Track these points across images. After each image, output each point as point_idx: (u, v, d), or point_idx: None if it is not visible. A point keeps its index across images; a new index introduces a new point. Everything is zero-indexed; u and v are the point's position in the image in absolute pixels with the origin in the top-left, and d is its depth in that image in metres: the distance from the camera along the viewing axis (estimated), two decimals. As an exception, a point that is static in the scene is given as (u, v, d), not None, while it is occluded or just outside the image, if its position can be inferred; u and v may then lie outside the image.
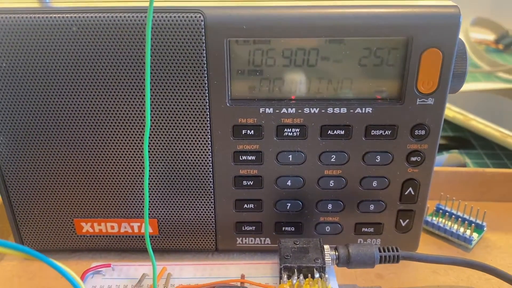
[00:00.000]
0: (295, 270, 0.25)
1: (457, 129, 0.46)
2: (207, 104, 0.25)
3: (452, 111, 0.45)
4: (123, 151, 0.26)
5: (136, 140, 0.26)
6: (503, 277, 0.26)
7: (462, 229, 0.31)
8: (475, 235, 0.31)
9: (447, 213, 0.32)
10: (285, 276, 0.25)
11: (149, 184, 0.27)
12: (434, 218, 0.32)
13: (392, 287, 0.28)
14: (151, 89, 0.24)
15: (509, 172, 0.35)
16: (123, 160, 0.26)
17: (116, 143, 0.26)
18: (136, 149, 0.26)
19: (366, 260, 0.25)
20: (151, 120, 0.25)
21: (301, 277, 0.24)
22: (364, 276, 0.28)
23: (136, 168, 0.27)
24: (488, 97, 0.51)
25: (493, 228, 0.32)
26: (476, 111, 0.45)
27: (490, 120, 0.42)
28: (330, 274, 0.26)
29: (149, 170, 0.27)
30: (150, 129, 0.26)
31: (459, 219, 0.32)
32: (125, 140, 0.26)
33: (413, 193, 0.27)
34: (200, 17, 0.23)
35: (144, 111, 0.25)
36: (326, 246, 0.26)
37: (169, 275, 0.26)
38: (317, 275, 0.24)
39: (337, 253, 0.26)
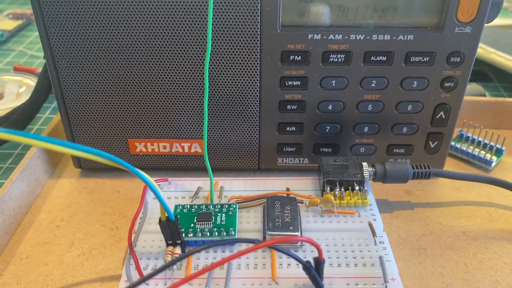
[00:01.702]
0: (337, 183, 0.27)
1: (475, 63, 0.48)
2: (259, 29, 0.26)
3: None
4: (178, 74, 0.28)
5: (191, 63, 0.28)
6: (521, 192, 0.29)
7: (483, 152, 0.33)
8: (494, 158, 0.33)
9: (469, 139, 0.35)
10: (328, 188, 0.27)
11: (198, 106, 0.29)
12: (457, 143, 0.35)
13: (419, 201, 0.31)
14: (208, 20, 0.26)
15: (528, 102, 0.37)
16: (177, 82, 0.28)
17: (172, 66, 0.28)
18: (190, 71, 0.28)
19: (401, 175, 0.28)
20: (204, 48, 0.27)
21: (342, 189, 0.27)
22: (394, 192, 0.31)
23: (189, 90, 0.29)
24: (504, 33, 0.52)
25: (510, 153, 0.35)
26: (494, 45, 0.46)
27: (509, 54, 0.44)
28: (368, 188, 0.28)
29: (201, 97, 0.29)
30: (206, 58, 0.27)
31: (480, 144, 0.34)
32: (181, 63, 0.28)
33: (443, 116, 0.30)
34: None
35: (201, 35, 0.27)
36: (364, 163, 0.28)
37: (222, 188, 0.29)
38: (356, 187, 0.27)
39: (374, 169, 0.28)
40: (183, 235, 0.24)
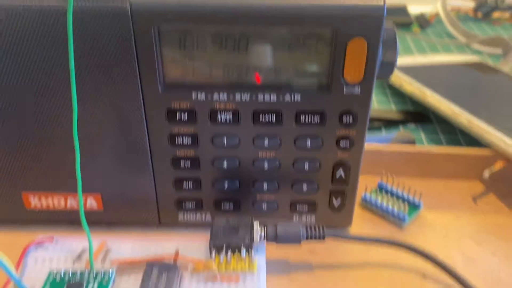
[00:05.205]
0: (224, 247, 0.26)
1: (417, 104, 0.47)
2: (140, 90, 0.26)
3: (411, 86, 0.45)
4: (68, 133, 0.27)
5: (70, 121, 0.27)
6: (425, 256, 0.28)
7: (396, 207, 0.32)
8: (409, 213, 0.32)
9: (387, 191, 0.34)
10: (214, 253, 0.26)
11: (94, 162, 0.28)
12: (373, 196, 0.33)
13: (322, 261, 0.29)
14: (84, 78, 0.25)
15: (452, 153, 0.36)
16: (67, 140, 0.27)
17: (58, 126, 0.27)
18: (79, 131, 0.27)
19: (293, 237, 0.27)
20: (89, 105, 0.26)
21: (229, 253, 0.26)
22: (298, 252, 0.30)
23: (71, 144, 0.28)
24: (457, 70, 0.51)
25: (431, 207, 0.34)
26: (443, 84, 0.46)
27: (457, 95, 0.42)
28: (260, 250, 0.27)
29: (93, 150, 0.28)
30: (90, 113, 0.26)
31: (398, 197, 0.33)
32: (66, 124, 0.27)
33: (343, 175, 0.29)
34: (126, 5, 0.23)
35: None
36: (255, 224, 0.27)
37: (107, 251, 0.27)
38: (243, 252, 0.26)
39: (265, 230, 0.27)
40: (46, 308, 0.23)
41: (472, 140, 0.38)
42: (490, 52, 0.60)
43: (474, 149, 0.36)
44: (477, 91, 0.45)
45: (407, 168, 0.36)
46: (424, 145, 0.41)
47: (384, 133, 0.43)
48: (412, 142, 0.39)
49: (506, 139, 0.35)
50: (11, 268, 0.21)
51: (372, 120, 0.45)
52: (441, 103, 0.41)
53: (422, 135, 0.43)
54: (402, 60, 0.53)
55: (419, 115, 0.46)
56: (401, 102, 0.49)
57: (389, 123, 0.45)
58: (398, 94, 0.50)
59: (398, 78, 0.48)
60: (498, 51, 0.60)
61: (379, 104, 0.49)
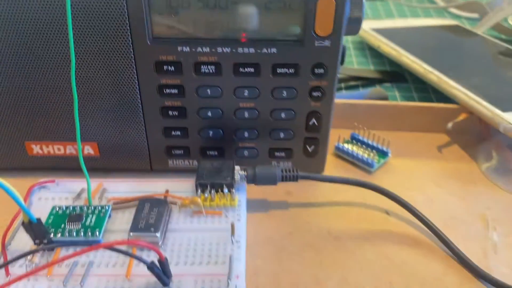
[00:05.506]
0: (208, 185, 0.29)
1: (393, 64, 0.50)
2: (130, 42, 0.28)
3: (388, 48, 0.48)
4: (66, 86, 0.30)
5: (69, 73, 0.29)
6: (387, 195, 0.31)
7: (366, 155, 0.35)
8: (377, 159, 0.36)
9: (359, 142, 0.37)
10: (199, 191, 0.29)
11: (90, 112, 0.31)
12: (346, 145, 0.37)
13: (297, 201, 0.33)
14: (81, 34, 0.27)
15: (420, 106, 0.39)
16: (65, 93, 0.30)
17: (52, 75, 0.29)
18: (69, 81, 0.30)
19: (270, 178, 0.30)
20: (86, 59, 0.29)
21: (213, 191, 0.29)
22: (276, 193, 0.33)
23: (70, 96, 0.30)
24: (434, 33, 0.54)
25: (398, 155, 0.37)
26: (418, 45, 0.48)
27: (430, 55, 0.45)
28: (240, 190, 0.31)
29: (89, 101, 0.31)
30: (87, 67, 0.29)
31: (368, 146, 0.37)
32: (60, 73, 0.29)
33: (316, 123, 0.32)
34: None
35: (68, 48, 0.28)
36: (237, 167, 0.30)
37: (104, 190, 0.31)
38: (226, 190, 0.29)
39: (245, 172, 0.30)
40: (52, 235, 0.26)
41: (442, 97, 0.41)
42: (467, 16, 0.63)
43: (440, 104, 0.39)
44: (450, 52, 0.48)
45: (378, 121, 0.39)
46: (395, 100, 0.44)
47: (361, 91, 0.46)
48: (385, 98, 0.42)
49: (469, 93, 0.38)
50: (21, 199, 0.24)
51: (352, 79, 0.48)
52: (414, 62, 0.44)
53: (397, 93, 0.46)
54: (382, 23, 0.55)
55: (395, 74, 0.49)
56: (380, 63, 0.52)
57: (367, 82, 0.48)
58: (377, 55, 0.53)
59: (377, 40, 0.50)
60: (475, 15, 0.62)
61: (359, 65, 0.52)
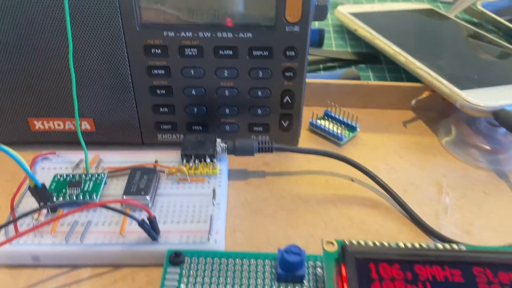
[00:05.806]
0: (193, 156, 0.33)
1: (368, 46, 0.53)
2: (121, 29, 0.32)
3: (364, 31, 0.51)
4: (65, 68, 0.33)
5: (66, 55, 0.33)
6: (352, 164, 0.35)
7: (336, 130, 0.39)
8: (346, 133, 0.39)
9: (332, 118, 0.41)
10: (184, 160, 0.33)
11: (86, 91, 0.34)
12: (319, 121, 0.40)
13: (273, 170, 0.37)
14: (77, 19, 0.31)
15: (388, 85, 0.43)
16: (64, 74, 0.33)
17: (58, 63, 0.33)
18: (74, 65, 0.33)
19: (247, 149, 0.34)
20: (82, 42, 0.32)
21: (197, 161, 0.33)
22: (255, 163, 0.37)
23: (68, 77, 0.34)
24: (408, 16, 0.57)
25: (367, 130, 0.41)
26: (392, 29, 0.52)
27: (401, 38, 0.49)
28: (222, 160, 0.34)
29: (86, 81, 0.34)
30: (83, 49, 0.32)
31: (339, 122, 0.40)
32: (64, 60, 0.33)
33: (290, 101, 0.35)
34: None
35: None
36: (218, 140, 0.34)
37: (100, 160, 0.34)
38: (208, 160, 0.33)
39: (226, 145, 0.34)
40: (54, 199, 0.30)
41: (412, 77, 0.44)
42: (443, 0, 0.66)
43: (407, 83, 0.43)
44: (420, 34, 0.52)
45: (350, 99, 0.43)
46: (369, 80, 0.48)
47: (337, 71, 0.50)
48: (357, 78, 0.46)
49: (432, 72, 0.41)
50: (27, 165, 0.27)
51: (330, 60, 0.52)
52: (386, 44, 0.48)
53: (370, 74, 0.50)
54: (361, 7, 0.58)
55: (370, 56, 0.52)
56: (357, 45, 0.56)
57: (344, 63, 0.52)
58: (355, 38, 0.57)
59: (355, 24, 0.53)
60: (451, -1, 0.65)
61: (338, 47, 0.55)
